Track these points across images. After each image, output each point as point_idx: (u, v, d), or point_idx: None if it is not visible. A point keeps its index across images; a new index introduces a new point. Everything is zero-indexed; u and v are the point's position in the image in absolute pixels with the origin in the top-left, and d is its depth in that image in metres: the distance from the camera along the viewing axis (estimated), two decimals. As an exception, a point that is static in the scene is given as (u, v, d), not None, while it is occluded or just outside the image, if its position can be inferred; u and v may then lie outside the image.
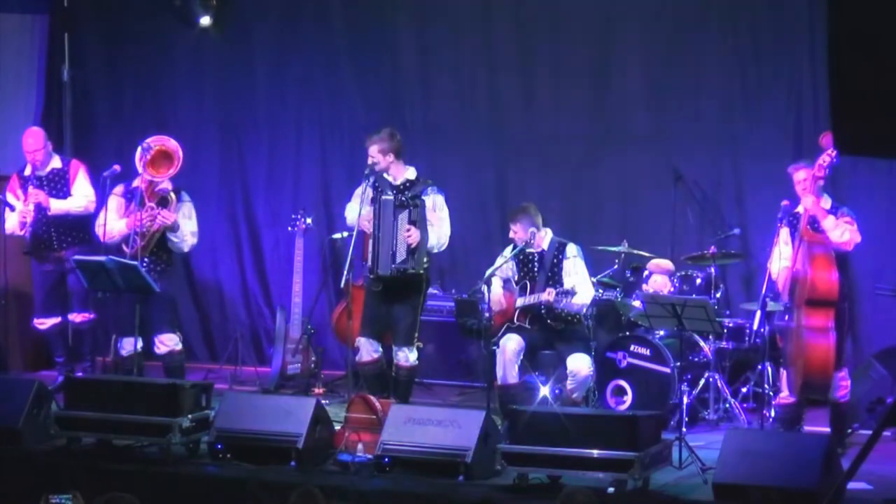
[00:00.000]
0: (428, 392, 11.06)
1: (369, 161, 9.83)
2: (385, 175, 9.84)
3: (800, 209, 9.27)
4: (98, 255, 9.92)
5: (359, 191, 9.85)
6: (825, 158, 8.94)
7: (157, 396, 8.96)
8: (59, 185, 10.83)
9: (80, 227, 10.81)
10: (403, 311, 9.81)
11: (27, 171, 10.87)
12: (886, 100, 5.08)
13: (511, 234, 9.82)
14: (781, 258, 9.25)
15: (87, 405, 9.01)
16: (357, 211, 9.75)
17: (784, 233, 9.33)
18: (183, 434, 8.77)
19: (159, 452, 8.87)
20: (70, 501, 6.99)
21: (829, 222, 9.07)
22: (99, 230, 10.09)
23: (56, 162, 10.91)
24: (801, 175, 9.24)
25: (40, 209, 10.72)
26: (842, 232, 9.06)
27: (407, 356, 9.83)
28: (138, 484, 8.45)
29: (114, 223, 10.02)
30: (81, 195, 10.78)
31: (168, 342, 10.14)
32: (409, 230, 9.63)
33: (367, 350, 9.84)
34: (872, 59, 5.09)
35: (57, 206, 10.75)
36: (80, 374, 10.69)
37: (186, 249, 10.27)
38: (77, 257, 10.10)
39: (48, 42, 12.36)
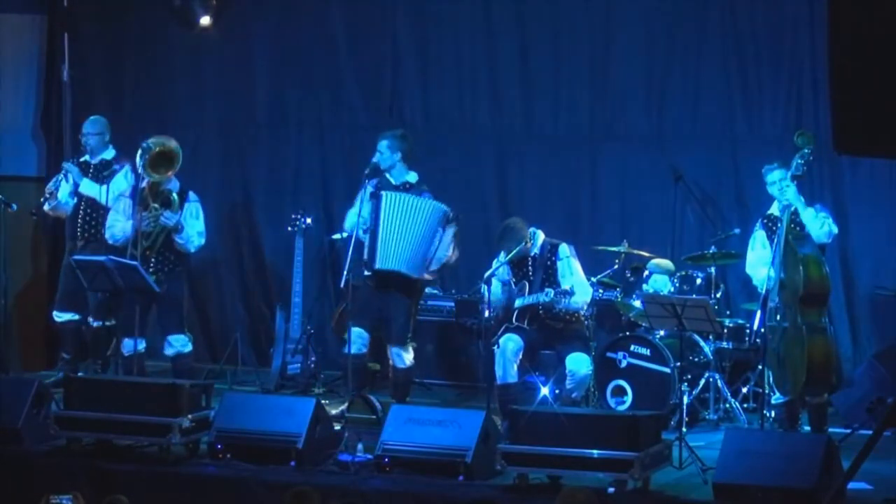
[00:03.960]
0: (428, 392, 11.06)
1: (376, 157, 9.90)
2: (387, 175, 9.90)
3: (774, 211, 9.35)
4: (98, 255, 9.94)
5: (364, 194, 9.90)
6: (802, 157, 8.97)
7: (157, 396, 8.96)
8: (101, 174, 10.75)
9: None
10: (398, 310, 9.87)
11: (84, 158, 10.83)
12: (886, 100, 5.08)
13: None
14: (760, 261, 9.37)
15: (87, 405, 9.01)
16: (354, 218, 9.81)
17: (760, 236, 9.43)
18: (183, 434, 8.77)
19: (159, 452, 8.86)
20: (71, 502, 7.00)
21: (809, 214, 9.14)
22: (107, 231, 10.07)
23: (107, 154, 10.85)
24: (775, 175, 9.31)
25: (70, 183, 10.67)
26: (821, 224, 9.16)
27: (402, 357, 9.87)
28: (138, 484, 8.47)
29: (122, 224, 10.01)
30: (114, 189, 10.53)
31: (176, 343, 10.14)
32: (453, 248, 9.80)
33: (358, 343, 9.82)
34: (873, 60, 5.09)
35: (87, 186, 10.69)
36: (80, 374, 10.71)
37: (192, 250, 10.23)
38: (76, 257, 10.10)
39: (48, 42, 12.36)
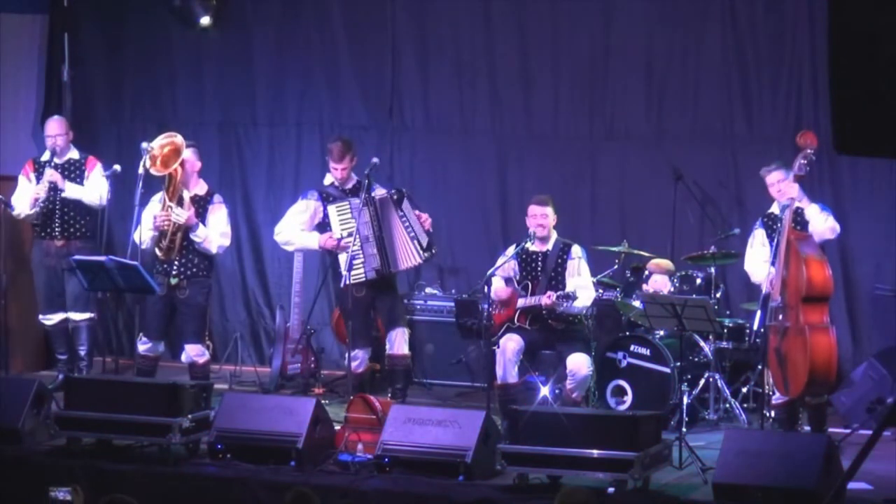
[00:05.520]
0: (428, 392, 11.07)
1: (342, 175, 10.06)
2: (334, 183, 10.11)
3: (775, 210, 9.35)
4: (98, 255, 9.93)
5: (305, 207, 10.11)
6: (804, 157, 8.97)
7: (157, 396, 8.96)
8: (74, 174, 10.84)
9: (85, 220, 10.84)
10: (391, 298, 10.14)
11: (45, 157, 10.88)
12: (886, 100, 5.08)
13: (532, 220, 9.76)
14: (760, 259, 9.36)
15: (87, 405, 9.01)
16: (298, 232, 10.09)
17: (760, 234, 9.44)
18: (183, 434, 8.77)
19: (159, 452, 8.86)
20: (70, 495, 7.04)
21: (813, 210, 9.19)
22: (136, 238, 10.03)
23: (74, 153, 10.95)
24: (775, 177, 9.32)
25: (55, 189, 10.75)
26: (825, 218, 9.19)
27: (404, 339, 10.04)
28: (138, 484, 8.47)
29: (144, 230, 9.98)
30: (95, 188, 10.77)
31: (191, 352, 10.15)
32: (419, 214, 9.94)
33: (364, 360, 10.13)
34: (873, 60, 5.09)
35: (71, 189, 10.77)
36: (79, 374, 10.71)
37: (214, 250, 10.15)
38: (77, 257, 10.10)
39: (48, 42, 12.36)
